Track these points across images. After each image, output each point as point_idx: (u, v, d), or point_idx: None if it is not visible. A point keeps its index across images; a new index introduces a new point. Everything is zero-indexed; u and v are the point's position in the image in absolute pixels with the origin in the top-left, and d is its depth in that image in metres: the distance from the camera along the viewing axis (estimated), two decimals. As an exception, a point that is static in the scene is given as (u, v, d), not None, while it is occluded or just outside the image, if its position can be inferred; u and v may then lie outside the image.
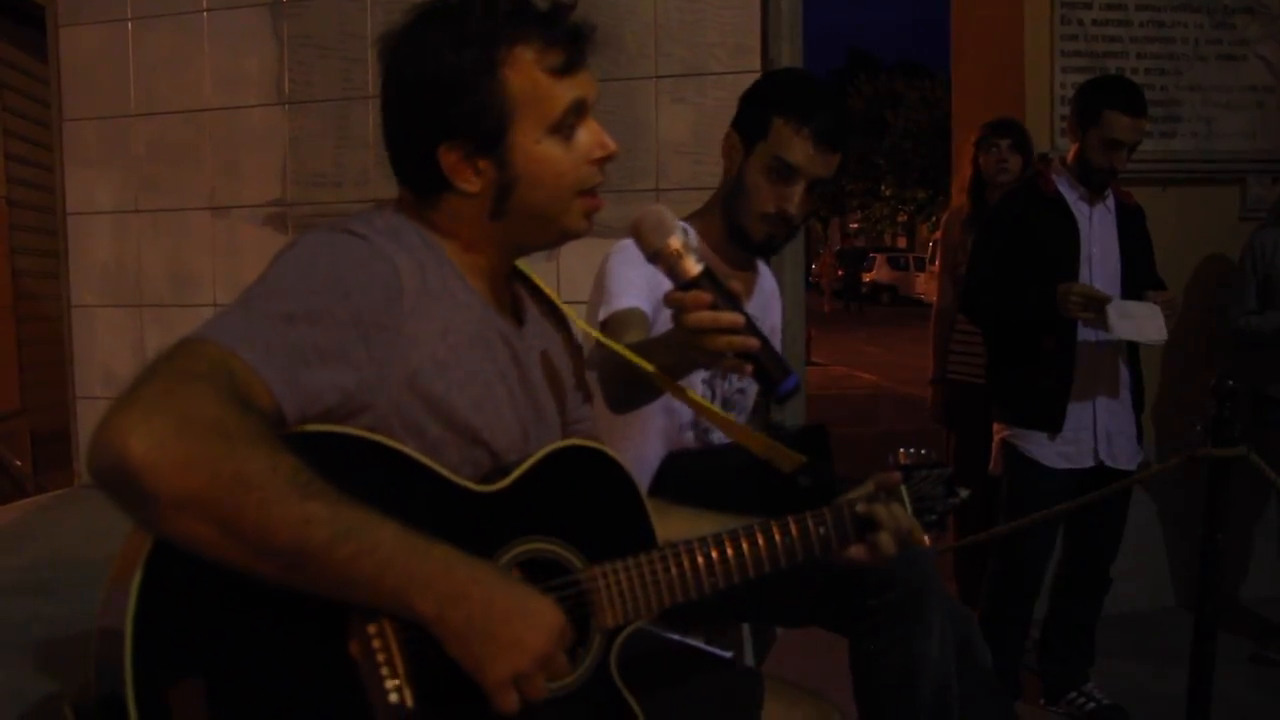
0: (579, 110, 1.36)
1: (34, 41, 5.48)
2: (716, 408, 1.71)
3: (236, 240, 3.83)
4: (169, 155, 3.90)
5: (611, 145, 1.39)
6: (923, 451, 1.60)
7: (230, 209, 3.84)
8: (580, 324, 1.63)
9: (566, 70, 1.34)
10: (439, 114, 1.32)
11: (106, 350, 3.99)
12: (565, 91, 1.34)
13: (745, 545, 1.41)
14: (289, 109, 3.75)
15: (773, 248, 2.23)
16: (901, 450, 1.61)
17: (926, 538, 1.56)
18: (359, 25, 3.63)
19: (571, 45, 1.34)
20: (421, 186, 1.38)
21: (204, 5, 3.80)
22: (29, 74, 6.03)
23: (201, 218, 3.88)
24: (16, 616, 2.11)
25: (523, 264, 1.56)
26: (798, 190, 2.09)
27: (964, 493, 1.62)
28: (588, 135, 1.38)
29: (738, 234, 2.17)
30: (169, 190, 3.91)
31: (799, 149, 2.06)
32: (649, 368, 1.57)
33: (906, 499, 1.55)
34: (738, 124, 2.15)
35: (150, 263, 3.94)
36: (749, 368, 1.41)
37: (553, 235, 1.41)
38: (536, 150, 1.34)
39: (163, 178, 3.91)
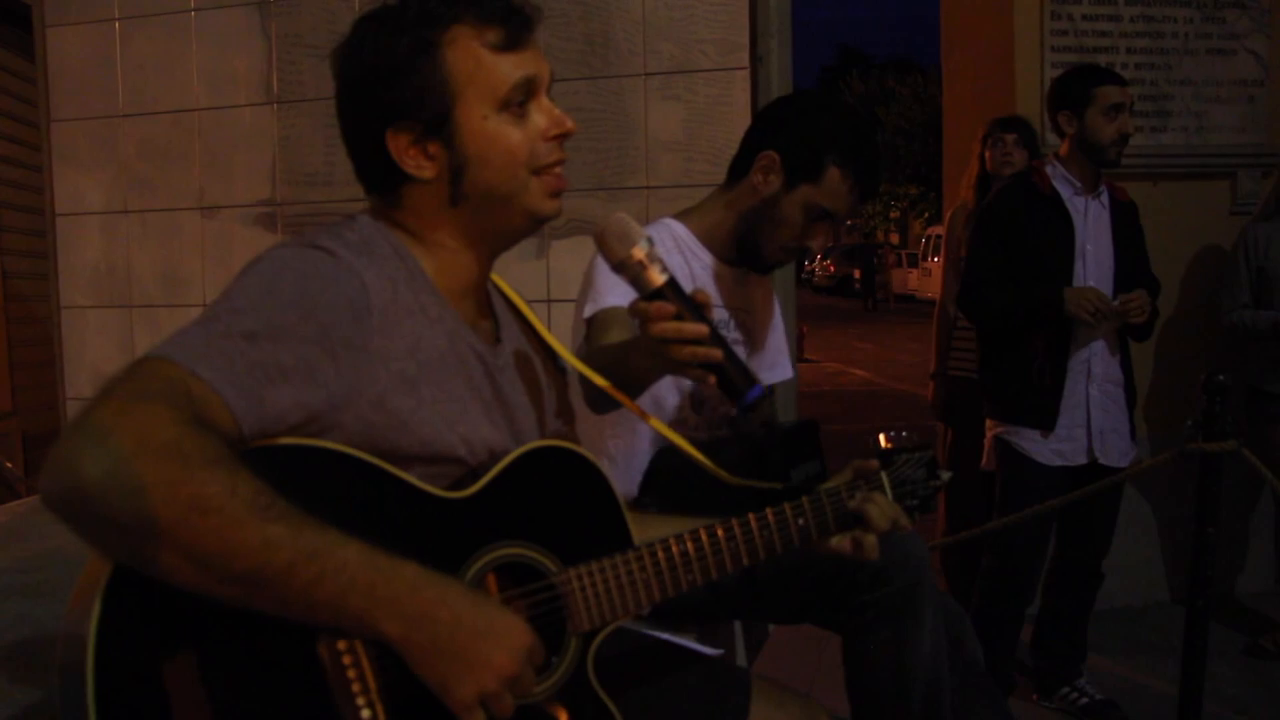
0: (528, 87, 1.34)
1: (20, 41, 5.47)
2: (679, 438, 1.70)
3: (226, 240, 3.81)
4: (158, 156, 3.88)
5: (568, 123, 1.37)
6: (904, 434, 1.58)
7: (220, 209, 3.83)
8: (554, 343, 1.60)
9: (509, 46, 1.33)
10: (381, 100, 1.31)
11: (97, 351, 3.98)
12: (511, 68, 1.32)
13: (722, 539, 1.39)
14: (278, 108, 3.74)
15: (776, 268, 2.26)
16: (882, 434, 1.58)
17: (908, 521, 1.53)
18: (347, 24, 3.56)
19: (511, 21, 1.33)
20: (380, 182, 1.37)
21: (192, 5, 3.78)
22: (16, 74, 6.03)
23: (191, 218, 3.86)
24: (6, 617, 2.10)
25: (503, 282, 1.55)
26: (826, 230, 2.14)
27: (946, 475, 1.60)
28: (541, 113, 1.36)
29: (751, 252, 2.17)
30: (158, 191, 3.89)
31: (845, 201, 2.10)
32: (602, 382, 1.57)
33: (887, 484, 1.52)
34: (782, 151, 2.10)
35: (140, 263, 3.92)
36: (712, 378, 1.41)
37: (518, 218, 1.38)
38: (484, 127, 1.32)
39: (152, 178, 3.89)
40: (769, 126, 2.17)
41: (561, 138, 1.38)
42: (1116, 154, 3.24)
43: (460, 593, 1.13)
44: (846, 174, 2.06)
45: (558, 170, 1.39)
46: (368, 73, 1.32)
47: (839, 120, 2.12)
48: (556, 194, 1.39)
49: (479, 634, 1.11)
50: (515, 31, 1.33)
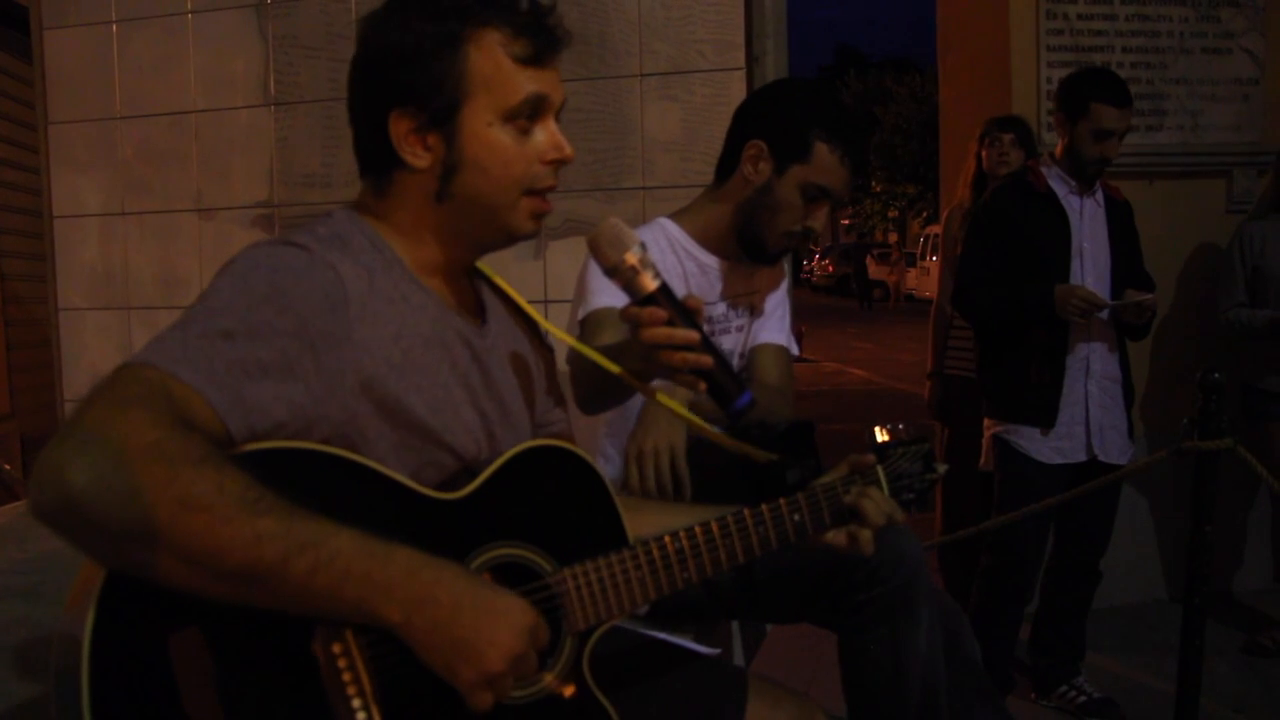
0: (538, 105, 1.34)
1: (18, 44, 5.48)
2: (683, 408, 1.70)
3: (224, 242, 3.81)
4: (155, 158, 3.88)
5: (568, 150, 1.37)
6: (900, 427, 1.58)
7: (217, 211, 3.83)
8: (546, 325, 1.61)
9: (532, 61, 1.33)
10: (395, 79, 1.31)
11: (95, 353, 3.98)
12: (526, 82, 1.33)
13: (717, 535, 1.39)
14: (276, 110, 3.74)
15: (781, 257, 2.25)
16: (877, 427, 1.57)
17: (903, 515, 1.52)
18: (345, 25, 3.62)
19: (540, 38, 1.33)
20: (374, 163, 1.37)
21: (189, 7, 3.78)
22: (13, 76, 6.03)
23: (189, 220, 3.87)
24: (5, 620, 2.11)
25: (486, 267, 1.55)
26: (825, 210, 2.13)
27: (942, 468, 1.59)
28: (544, 135, 1.36)
29: (754, 243, 2.16)
30: (156, 193, 3.89)
31: (839, 177, 2.09)
32: (615, 369, 1.57)
33: (883, 479, 1.52)
34: (768, 137, 2.10)
35: (138, 265, 3.93)
36: (703, 385, 1.41)
37: (497, 231, 1.38)
38: (486, 134, 1.32)
39: (149, 180, 3.90)
40: (750, 117, 2.18)
41: (558, 163, 1.38)
42: (1094, 173, 3.24)
43: (457, 574, 1.13)
44: (834, 147, 2.07)
45: (546, 196, 1.39)
46: (389, 48, 1.32)
47: (817, 98, 2.14)
48: (539, 216, 1.39)
49: (480, 614, 1.11)
50: (542, 49, 1.34)
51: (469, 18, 1.31)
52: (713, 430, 1.69)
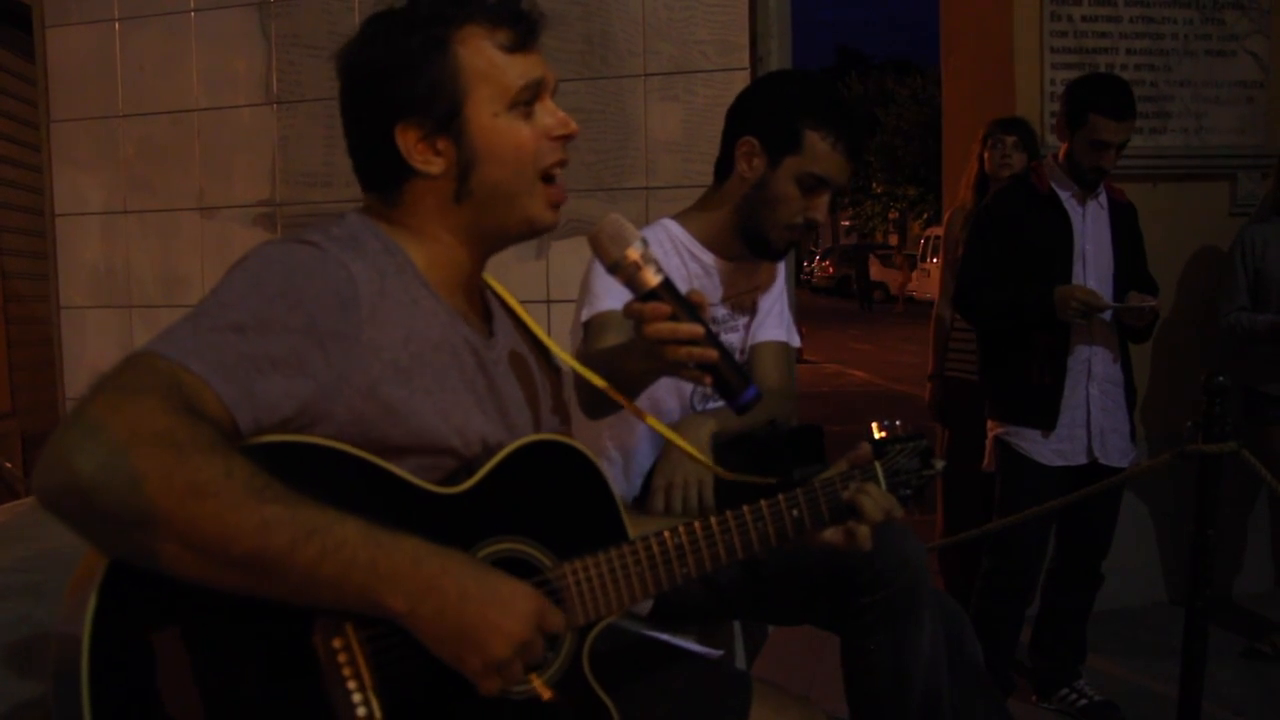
0: (537, 89, 1.36)
1: (20, 42, 5.48)
2: (664, 427, 1.70)
3: (226, 241, 3.81)
4: (157, 156, 3.88)
5: (572, 125, 1.39)
6: (897, 423, 1.57)
7: (219, 209, 3.83)
8: (549, 342, 1.60)
9: (518, 48, 1.35)
10: (392, 96, 1.32)
11: (96, 351, 3.97)
12: (519, 68, 1.35)
13: (716, 531, 1.39)
14: (278, 109, 3.74)
15: (786, 252, 2.23)
16: (875, 423, 1.56)
17: (902, 511, 1.51)
18: (347, 24, 3.62)
19: (520, 25, 1.35)
20: (383, 178, 1.37)
21: (191, 5, 3.78)
22: (16, 75, 6.02)
23: (190, 218, 3.87)
24: (6, 618, 2.10)
25: (498, 284, 1.55)
26: (826, 200, 2.10)
27: (940, 464, 1.58)
28: (547, 114, 1.38)
29: (757, 241, 2.15)
30: (158, 191, 3.89)
31: (834, 164, 2.06)
32: (600, 383, 1.57)
33: (881, 475, 1.51)
34: (759, 132, 2.09)
35: (139, 264, 3.92)
36: (708, 379, 1.41)
37: (519, 221, 1.39)
38: (495, 124, 1.34)
39: (151, 178, 3.89)
40: (739, 115, 2.18)
41: (565, 139, 1.39)
42: (1092, 181, 3.24)
43: (463, 563, 1.14)
44: (825, 134, 2.04)
45: (559, 175, 1.40)
46: (379, 69, 1.33)
47: (803, 87, 2.12)
48: (557, 205, 1.40)
49: (485, 602, 1.12)
50: (524, 35, 1.35)
51: (448, 20, 1.33)
52: (709, 463, 1.68)
